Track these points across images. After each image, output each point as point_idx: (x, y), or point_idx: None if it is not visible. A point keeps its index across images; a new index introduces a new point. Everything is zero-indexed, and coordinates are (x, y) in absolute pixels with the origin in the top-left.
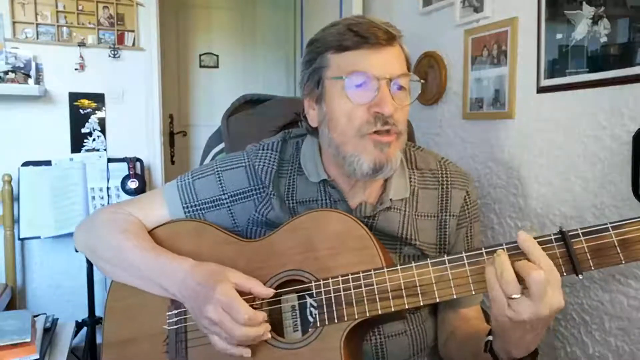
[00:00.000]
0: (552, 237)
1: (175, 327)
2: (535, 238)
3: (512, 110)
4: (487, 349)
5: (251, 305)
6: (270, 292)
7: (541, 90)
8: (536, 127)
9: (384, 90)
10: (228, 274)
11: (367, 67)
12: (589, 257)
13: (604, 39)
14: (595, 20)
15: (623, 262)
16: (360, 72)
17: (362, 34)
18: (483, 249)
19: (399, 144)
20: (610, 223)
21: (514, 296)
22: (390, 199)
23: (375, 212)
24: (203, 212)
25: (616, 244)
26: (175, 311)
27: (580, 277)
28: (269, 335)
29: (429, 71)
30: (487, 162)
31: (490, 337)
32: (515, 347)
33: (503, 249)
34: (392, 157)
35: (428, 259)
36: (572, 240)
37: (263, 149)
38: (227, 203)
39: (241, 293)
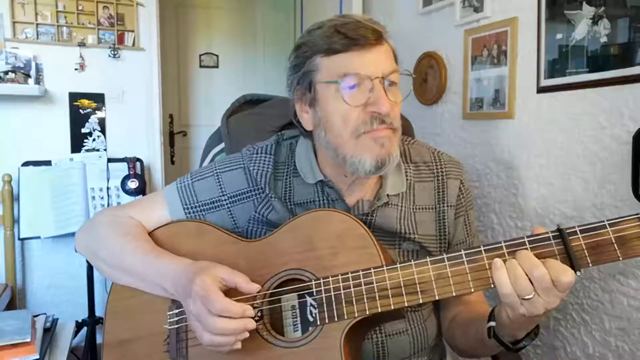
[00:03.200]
0: (550, 234)
1: (176, 326)
2: (533, 235)
3: (512, 110)
4: (492, 335)
5: (251, 304)
6: (255, 287)
7: (541, 90)
8: (536, 127)
9: (379, 89)
10: (214, 270)
11: (360, 68)
12: (587, 254)
13: (604, 39)
14: (595, 20)
15: (621, 258)
16: (354, 74)
17: (351, 36)
18: (482, 246)
19: (396, 139)
20: (608, 220)
21: (527, 297)
22: (387, 195)
23: (373, 209)
24: (203, 213)
25: (613, 241)
26: (176, 310)
27: (578, 273)
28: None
29: (429, 71)
30: (487, 162)
31: (492, 323)
32: (521, 331)
33: (502, 246)
34: (393, 152)
35: (427, 257)
36: (570, 238)
37: (257, 153)
38: (226, 204)
39: (231, 291)
